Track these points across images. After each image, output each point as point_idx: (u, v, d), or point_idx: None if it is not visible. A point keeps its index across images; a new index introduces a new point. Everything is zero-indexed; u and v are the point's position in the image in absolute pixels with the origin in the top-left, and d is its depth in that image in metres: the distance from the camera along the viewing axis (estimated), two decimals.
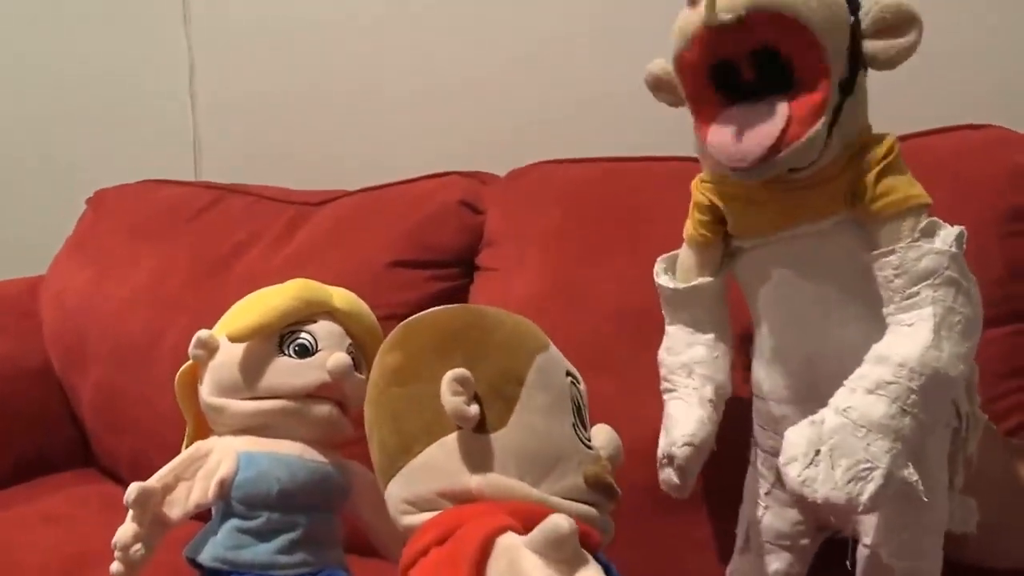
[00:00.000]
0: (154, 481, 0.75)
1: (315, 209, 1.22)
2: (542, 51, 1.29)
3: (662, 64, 0.73)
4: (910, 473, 0.60)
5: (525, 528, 0.55)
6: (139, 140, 1.65)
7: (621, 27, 1.23)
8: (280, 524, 0.75)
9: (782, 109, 0.63)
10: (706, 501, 0.86)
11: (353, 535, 0.83)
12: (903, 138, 0.68)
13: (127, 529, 0.73)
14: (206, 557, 0.74)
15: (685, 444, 0.71)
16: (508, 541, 0.55)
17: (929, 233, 0.63)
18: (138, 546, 0.73)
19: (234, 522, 0.75)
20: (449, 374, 0.61)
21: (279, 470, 0.76)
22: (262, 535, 0.75)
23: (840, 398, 0.61)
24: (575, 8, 1.27)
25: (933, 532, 0.69)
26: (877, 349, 0.62)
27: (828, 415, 0.61)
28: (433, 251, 1.11)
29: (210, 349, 0.80)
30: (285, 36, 1.49)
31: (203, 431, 0.83)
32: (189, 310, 1.14)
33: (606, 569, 0.57)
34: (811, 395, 0.66)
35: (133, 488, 0.73)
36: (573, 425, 0.65)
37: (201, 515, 0.77)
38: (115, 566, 0.73)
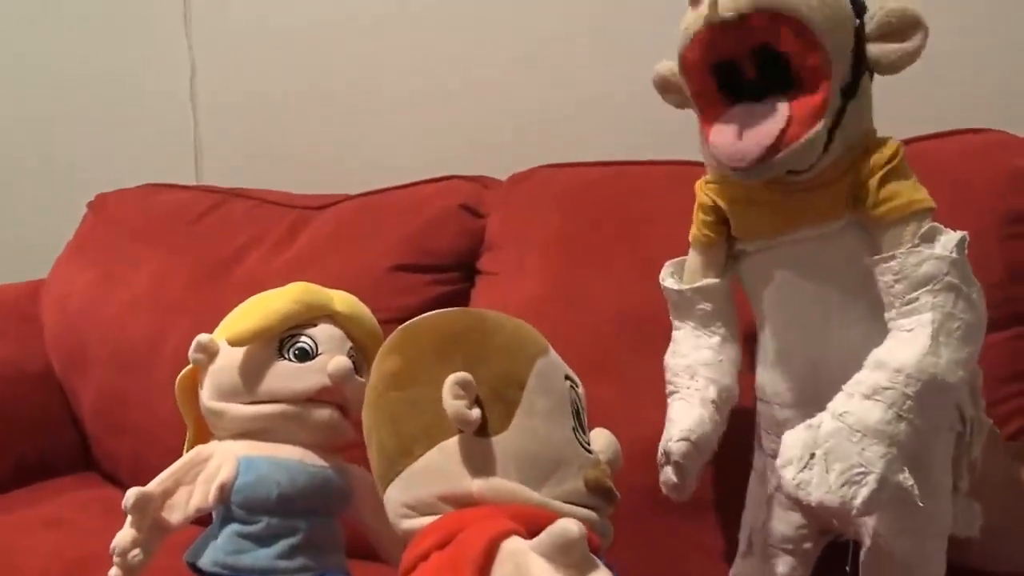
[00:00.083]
0: (153, 486, 0.75)
1: (316, 213, 1.22)
2: (542, 51, 1.29)
3: (669, 65, 0.73)
4: (905, 478, 0.60)
5: (528, 532, 0.55)
6: (140, 141, 1.65)
7: (621, 27, 1.23)
8: (280, 529, 0.75)
9: (783, 109, 0.63)
10: (708, 505, 0.86)
11: (354, 539, 0.82)
12: (903, 142, 0.68)
13: (125, 534, 0.73)
14: (206, 562, 0.74)
15: (681, 439, 0.70)
16: (514, 545, 0.55)
17: (929, 239, 0.63)
18: (136, 551, 0.73)
19: (234, 527, 0.75)
20: (451, 377, 0.61)
21: (279, 475, 0.76)
22: (262, 540, 0.75)
23: (837, 403, 0.62)
24: (575, 8, 1.27)
25: (936, 536, 0.68)
26: (876, 354, 0.62)
27: (825, 419, 0.61)
28: (434, 255, 1.11)
29: (210, 353, 0.80)
30: (285, 37, 1.49)
31: (204, 435, 0.83)
32: (190, 314, 1.14)
33: None
34: (814, 399, 0.66)
35: (131, 493, 0.72)
36: (573, 429, 0.65)
37: (202, 519, 0.77)
38: (114, 571, 0.73)
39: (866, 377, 0.61)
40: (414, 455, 0.62)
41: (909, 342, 0.61)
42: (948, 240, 0.62)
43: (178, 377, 0.83)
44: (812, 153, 0.64)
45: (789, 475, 0.61)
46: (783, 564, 0.76)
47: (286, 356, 0.79)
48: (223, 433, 0.80)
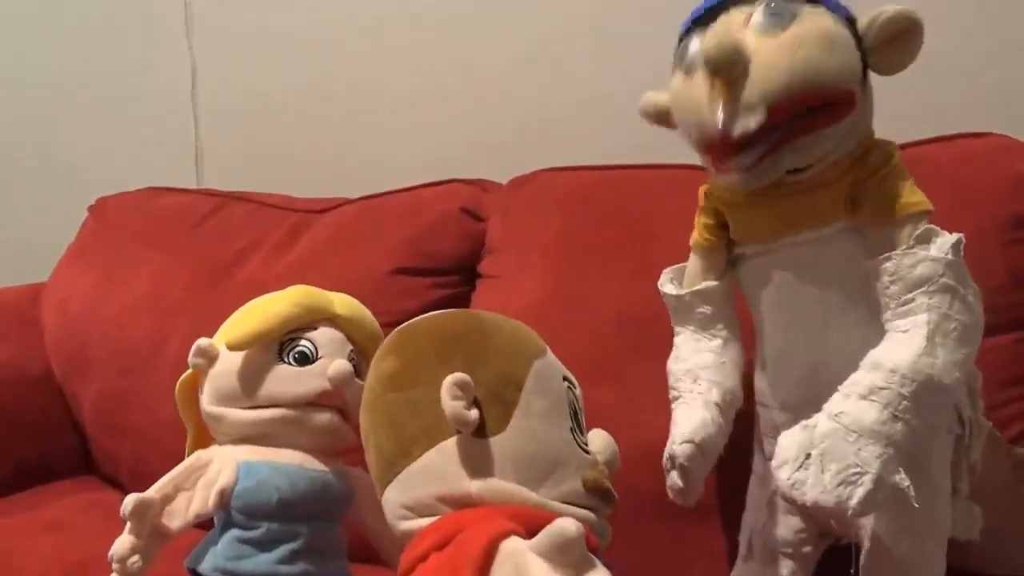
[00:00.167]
0: (153, 492, 0.75)
1: (317, 217, 1.22)
2: (542, 52, 1.29)
3: (655, 100, 0.74)
4: (901, 479, 0.60)
5: (526, 533, 0.55)
6: (141, 143, 1.65)
7: (621, 27, 1.23)
8: (281, 534, 0.75)
9: None
10: (709, 508, 0.86)
11: (356, 542, 0.82)
12: (904, 146, 0.69)
13: (124, 541, 0.73)
14: (207, 567, 0.74)
15: (685, 442, 0.70)
16: (513, 545, 0.55)
17: (925, 240, 0.63)
18: (135, 558, 0.72)
19: (234, 532, 0.75)
20: (450, 378, 0.61)
21: (279, 479, 0.75)
22: (263, 545, 0.74)
23: (833, 403, 0.62)
24: (575, 8, 1.27)
25: (935, 538, 0.68)
26: (872, 355, 0.62)
27: (820, 420, 0.61)
28: (435, 259, 1.11)
29: (209, 358, 0.80)
30: (286, 39, 1.49)
31: (204, 440, 0.83)
32: (191, 317, 1.14)
33: None
34: (814, 402, 0.66)
35: (130, 500, 0.72)
36: (571, 429, 0.65)
37: (203, 524, 0.77)
38: None
39: (862, 378, 0.61)
40: (412, 456, 0.62)
41: (905, 343, 0.61)
42: (944, 242, 0.62)
43: (178, 381, 0.83)
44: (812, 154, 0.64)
45: (784, 475, 0.61)
46: (783, 568, 0.76)
47: (286, 360, 0.79)
48: (223, 438, 0.80)
